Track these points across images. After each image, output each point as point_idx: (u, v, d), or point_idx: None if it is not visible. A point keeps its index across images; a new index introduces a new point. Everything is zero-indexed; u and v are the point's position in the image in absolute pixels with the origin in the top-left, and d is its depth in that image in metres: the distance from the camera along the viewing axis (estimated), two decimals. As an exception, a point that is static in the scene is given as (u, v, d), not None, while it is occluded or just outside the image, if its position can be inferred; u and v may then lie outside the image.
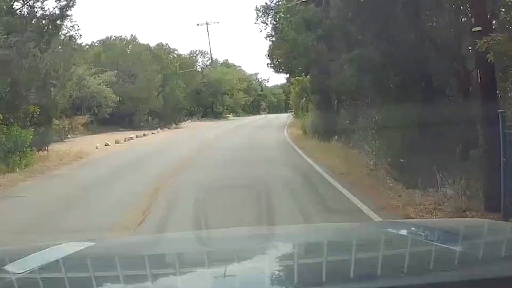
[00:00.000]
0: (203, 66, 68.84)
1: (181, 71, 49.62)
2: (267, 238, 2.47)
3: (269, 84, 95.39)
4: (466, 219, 4.84)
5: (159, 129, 38.63)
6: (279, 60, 33.90)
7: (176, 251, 2.13)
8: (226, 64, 76.98)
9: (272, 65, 36.32)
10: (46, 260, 1.82)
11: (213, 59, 68.45)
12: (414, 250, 1.65)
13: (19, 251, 2.22)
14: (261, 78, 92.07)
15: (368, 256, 1.69)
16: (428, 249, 1.68)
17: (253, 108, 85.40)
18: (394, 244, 1.86)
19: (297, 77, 29.48)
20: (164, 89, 43.13)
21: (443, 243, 1.74)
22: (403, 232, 2.14)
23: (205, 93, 61.37)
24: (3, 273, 1.63)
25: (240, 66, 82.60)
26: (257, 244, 2.26)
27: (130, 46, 44.60)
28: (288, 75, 38.33)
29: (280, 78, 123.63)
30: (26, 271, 1.66)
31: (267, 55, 35.83)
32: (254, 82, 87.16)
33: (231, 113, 71.59)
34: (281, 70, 37.16)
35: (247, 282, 1.54)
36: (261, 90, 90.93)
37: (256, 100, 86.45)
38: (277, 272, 1.64)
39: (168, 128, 41.13)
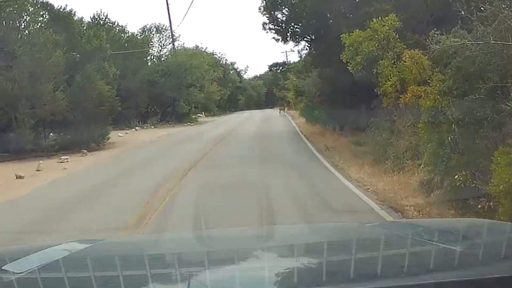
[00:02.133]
0: (161, 46, 45.12)
1: (112, 51, 28.46)
2: (267, 238, 2.47)
3: (246, 76, 78.98)
4: (466, 219, 4.83)
5: (41, 162, 16.07)
6: (287, 12, 19.33)
7: (176, 251, 2.13)
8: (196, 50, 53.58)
9: (274, 24, 20.00)
10: (46, 260, 1.83)
11: (174, 37, 44.52)
12: (414, 250, 1.65)
13: (19, 251, 2.22)
14: (238, 68, 75.11)
15: (368, 256, 1.69)
16: (428, 249, 1.68)
17: (230, 104, 68.26)
18: (394, 244, 1.86)
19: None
20: (74, 78, 21.44)
21: (443, 243, 1.74)
22: (403, 232, 2.14)
23: (163, 85, 39.42)
24: (3, 273, 1.63)
25: (213, 53, 61.05)
26: (257, 244, 2.27)
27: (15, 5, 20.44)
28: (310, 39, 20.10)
29: (261, 68, 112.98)
30: (26, 271, 1.66)
31: (262, 8, 19.79)
32: (231, 71, 69.56)
33: (203, 112, 52.63)
34: (292, 33, 19.89)
35: (247, 282, 1.54)
36: (240, 82, 73.17)
37: (234, 94, 68.42)
38: (277, 272, 1.64)
39: (75, 153, 19.04)
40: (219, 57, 57.70)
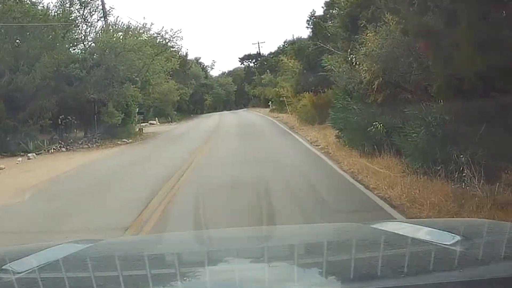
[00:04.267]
0: (86, 24, 27.37)
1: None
2: (267, 238, 2.47)
3: (213, 73, 69.14)
4: (466, 219, 4.83)
5: None
6: None
7: (176, 251, 2.13)
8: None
9: None
10: (46, 260, 1.83)
11: (106, 10, 27.39)
12: (414, 250, 1.65)
13: (19, 251, 2.22)
14: (203, 64, 63.76)
15: (368, 256, 1.69)
16: (428, 249, 1.68)
17: (194, 106, 58.00)
18: (394, 244, 1.86)
19: None
20: None
21: (443, 243, 1.74)
22: (403, 232, 2.14)
23: (85, 82, 23.88)
24: (3, 273, 1.63)
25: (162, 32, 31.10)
26: (257, 244, 2.27)
27: None
28: None
29: (229, 64, 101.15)
30: (26, 271, 1.66)
31: None
32: (194, 64, 57.37)
33: (156, 118, 40.60)
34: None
35: (247, 282, 1.54)
36: (206, 77, 62.15)
37: (198, 93, 56.99)
38: (277, 272, 1.64)
39: None
40: (171, 36, 29.72)
